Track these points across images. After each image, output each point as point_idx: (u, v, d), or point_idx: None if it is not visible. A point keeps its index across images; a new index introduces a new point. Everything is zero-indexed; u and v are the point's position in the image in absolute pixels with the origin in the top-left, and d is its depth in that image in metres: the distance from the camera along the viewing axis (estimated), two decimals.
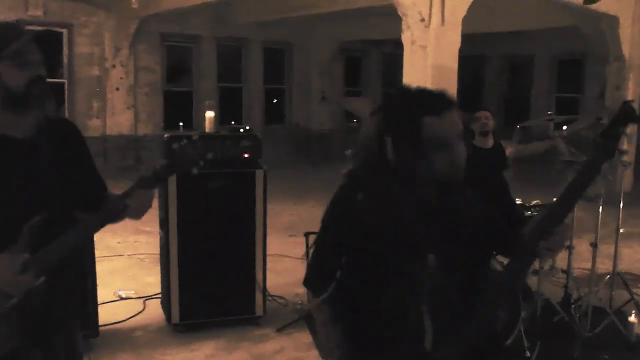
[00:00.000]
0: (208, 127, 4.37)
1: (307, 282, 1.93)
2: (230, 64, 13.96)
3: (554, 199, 4.13)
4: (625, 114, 1.73)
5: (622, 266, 6.09)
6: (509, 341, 3.92)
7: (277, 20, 12.69)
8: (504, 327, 3.96)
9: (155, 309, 4.75)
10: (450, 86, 6.30)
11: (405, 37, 6.33)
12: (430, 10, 6.11)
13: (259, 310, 4.51)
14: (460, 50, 16.21)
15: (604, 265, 5.12)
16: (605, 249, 4.63)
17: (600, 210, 4.38)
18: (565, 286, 4.71)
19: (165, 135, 4.23)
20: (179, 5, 10.47)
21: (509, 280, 1.84)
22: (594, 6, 8.75)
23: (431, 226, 1.74)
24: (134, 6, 10.05)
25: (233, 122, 13.61)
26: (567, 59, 14.71)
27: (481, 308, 1.79)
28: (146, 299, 5.02)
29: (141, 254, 6.46)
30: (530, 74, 15.39)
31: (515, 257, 1.79)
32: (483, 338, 1.85)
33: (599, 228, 4.43)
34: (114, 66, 11.76)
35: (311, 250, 1.92)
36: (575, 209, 4.51)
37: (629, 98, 9.71)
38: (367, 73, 16.01)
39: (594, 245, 4.40)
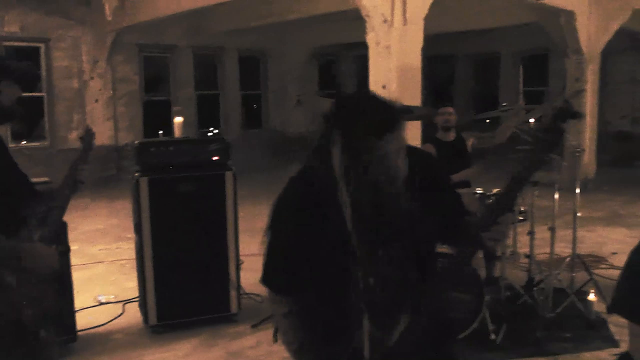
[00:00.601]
0: (177, 132, 4.38)
1: (265, 280, 1.93)
2: (206, 71, 13.95)
3: (498, 190, 4.21)
4: (565, 110, 1.79)
5: (586, 249, 6.19)
6: (474, 325, 3.98)
7: (250, 29, 12.70)
8: (469, 312, 4.03)
9: (134, 312, 4.73)
10: (415, 83, 6.34)
11: (370, 38, 6.36)
12: (393, 11, 6.14)
13: (233, 308, 4.52)
14: (430, 50, 16.29)
15: (568, 249, 5.18)
16: (570, 234, 4.69)
17: (557, 196, 4.45)
18: (529, 270, 4.77)
19: (136, 142, 4.23)
20: (154, 16, 10.40)
21: (455, 269, 1.87)
22: (551, 2, 8.90)
23: (371, 229, 1.77)
24: (109, 19, 9.99)
25: (212, 128, 13.75)
26: (532, 54, 14.85)
27: (429, 297, 1.82)
28: (125, 303, 5.00)
29: (122, 259, 6.43)
30: (497, 70, 15.53)
31: (460, 246, 1.83)
32: (437, 324, 1.90)
33: (555, 213, 4.50)
34: (92, 78, 11.67)
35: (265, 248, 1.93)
36: (535, 196, 4.57)
37: (587, 88, 9.86)
38: (341, 76, 16.06)
39: (552, 229, 4.46)
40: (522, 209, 4.47)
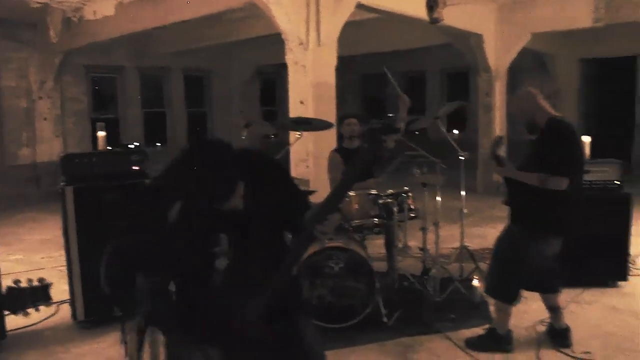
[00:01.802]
0: (100, 145, 4.56)
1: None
2: (153, 90, 14.05)
3: (391, 192, 4.52)
4: (386, 126, 2.09)
5: (487, 244, 6.59)
6: (367, 310, 4.28)
7: (195, 49, 12.87)
8: (362, 299, 4.33)
9: (67, 312, 4.85)
10: (330, 98, 6.67)
11: (289, 58, 6.66)
12: (308, 34, 6.46)
13: None
14: (366, 69, 16.76)
15: (472, 244, 5.54)
16: (476, 230, 5.03)
17: (439, 198, 4.82)
18: (423, 261, 5.12)
19: (60, 153, 4.40)
20: (99, 39, 10.45)
21: (293, 257, 2.11)
22: (461, 26, 9.39)
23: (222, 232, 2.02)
24: (53, 41, 10.03)
25: (158, 144, 13.83)
26: (454, 72, 15.46)
27: (274, 280, 2.02)
28: (59, 304, 5.12)
29: (63, 265, 6.51)
30: (424, 87, 16.10)
31: (297, 238, 2.09)
32: (285, 301, 2.13)
33: (439, 211, 4.86)
34: (40, 98, 11.63)
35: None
36: (439, 197, 4.90)
37: (496, 102, 10.42)
38: (281, 93, 16.36)
39: (436, 225, 4.83)
40: (412, 207, 4.81)
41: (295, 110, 6.65)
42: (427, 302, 4.65)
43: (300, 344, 2.14)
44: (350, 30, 9.88)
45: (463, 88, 15.09)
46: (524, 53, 11.39)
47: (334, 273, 4.29)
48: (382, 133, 2.01)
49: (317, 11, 6.44)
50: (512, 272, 3.78)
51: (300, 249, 2.08)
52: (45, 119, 11.74)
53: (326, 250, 4.32)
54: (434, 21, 5.61)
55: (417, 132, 5.00)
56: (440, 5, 5.60)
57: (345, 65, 16.91)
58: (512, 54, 10.39)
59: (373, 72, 16.86)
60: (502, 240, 3.91)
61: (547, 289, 4.04)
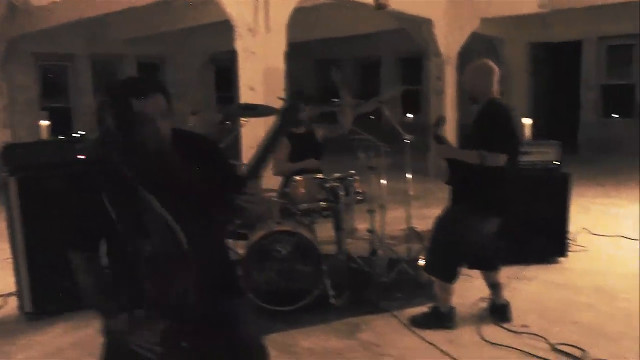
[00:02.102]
0: (43, 134, 4.49)
1: (72, 242, 2.16)
2: (106, 78, 13.76)
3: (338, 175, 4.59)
4: (296, 94, 2.14)
5: None
6: (316, 292, 4.34)
7: (149, 36, 12.66)
8: (310, 282, 4.38)
9: (14, 304, 4.77)
10: (279, 84, 6.70)
11: (238, 45, 6.65)
12: (256, 20, 6.45)
13: None
14: (321, 54, 16.76)
15: (422, 225, 5.61)
16: (427, 211, 5.12)
17: (385, 181, 4.92)
18: (372, 243, 5.21)
19: (2, 143, 4.31)
20: (46, 25, 10.21)
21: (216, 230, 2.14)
22: (410, 11, 9.49)
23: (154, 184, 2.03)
24: None
25: (82, 131, 13.54)
26: (408, 57, 15.60)
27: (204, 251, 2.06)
28: (6, 296, 5.03)
29: (8, 258, 6.38)
30: (378, 72, 16.22)
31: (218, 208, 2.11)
32: (218, 284, 2.15)
33: (385, 194, 4.96)
34: None
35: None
36: (384, 180, 4.99)
37: (447, 86, 10.60)
38: (237, 79, 16.23)
39: (382, 207, 4.93)
40: (358, 190, 4.88)
41: (245, 96, 6.65)
42: (374, 283, 4.75)
43: (234, 328, 2.17)
44: (303, 15, 9.89)
45: (417, 73, 15.26)
46: (474, 37, 11.58)
47: (281, 257, 4.33)
48: (294, 100, 2.11)
49: None
50: (451, 250, 3.89)
51: (223, 215, 2.10)
52: None
53: (274, 234, 4.36)
54: (379, 7, 5.67)
55: (372, 117, 5.08)
56: None
57: (299, 51, 16.96)
58: (462, 39, 10.56)
59: (328, 58, 16.91)
60: (442, 219, 4.02)
61: (487, 266, 4.17)
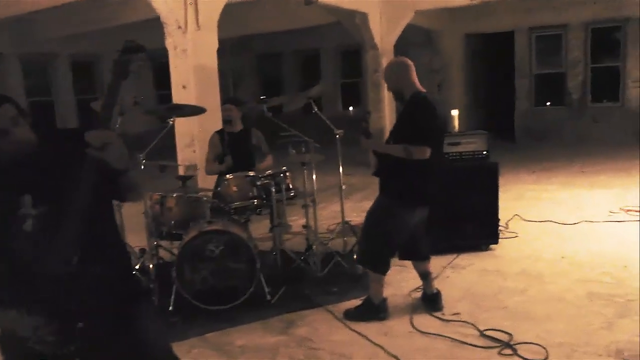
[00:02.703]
0: None
1: None
2: (37, 78, 13.31)
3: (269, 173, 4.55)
4: (129, 46, 2.11)
5: None
6: (250, 289, 4.32)
7: (82, 34, 12.27)
8: (244, 279, 4.34)
9: None
10: (212, 82, 6.61)
11: (169, 43, 6.52)
12: (186, 17, 6.34)
13: None
14: (262, 49, 16.64)
15: (361, 218, 5.62)
16: (366, 204, 5.06)
17: (315, 175, 4.93)
18: (307, 238, 5.22)
19: None
20: None
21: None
22: (345, 5, 9.53)
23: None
24: None
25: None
26: (348, 50, 15.67)
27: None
28: None
29: None
30: (318, 65, 16.25)
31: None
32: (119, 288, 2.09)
33: (315, 188, 4.97)
34: None
35: None
36: (317, 175, 4.99)
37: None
38: None
39: (313, 202, 4.95)
40: (290, 186, 4.89)
41: (177, 95, 6.55)
42: (309, 278, 4.77)
43: (135, 333, 2.10)
44: (242, 10, 9.83)
45: (357, 65, 15.35)
46: (412, 29, 11.75)
47: (214, 256, 4.30)
48: (128, 53, 2.10)
49: None
50: (381, 242, 3.94)
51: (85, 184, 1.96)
52: None
53: (205, 233, 4.32)
54: (308, 2, 5.66)
55: (315, 111, 5.06)
56: None
57: (240, 46, 16.84)
58: (397, 31, 10.68)
59: (269, 52, 16.84)
60: (371, 211, 4.06)
61: (418, 256, 4.23)
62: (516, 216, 6.78)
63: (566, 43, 13.22)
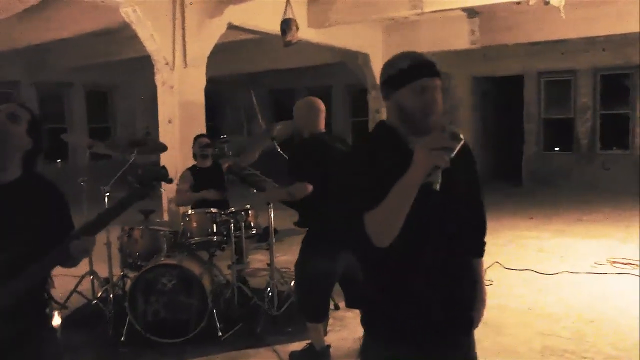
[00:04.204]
0: None
1: None
2: (53, 106, 13.77)
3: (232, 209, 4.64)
4: (155, 172, 2.21)
5: None
6: (202, 324, 4.38)
7: (97, 64, 12.71)
8: (195, 314, 4.39)
9: None
10: (199, 118, 6.82)
11: (158, 79, 6.77)
12: (174, 55, 6.58)
13: None
14: (272, 85, 16.95)
15: None
16: None
17: (272, 216, 5.00)
18: (270, 276, 5.27)
19: None
20: None
21: (37, 268, 2.16)
22: (346, 45, 9.74)
23: None
24: None
25: (59, 161, 13.52)
26: (359, 87, 15.85)
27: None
28: None
29: None
30: (330, 102, 16.47)
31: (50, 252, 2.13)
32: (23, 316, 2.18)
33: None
34: None
35: None
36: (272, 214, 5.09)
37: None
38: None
39: (269, 242, 5.01)
40: (252, 224, 4.98)
41: (164, 129, 6.75)
42: (264, 316, 4.80)
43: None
44: (251, 48, 10.11)
45: (365, 103, 15.51)
46: None
47: (166, 289, 4.39)
48: (153, 179, 2.15)
49: (183, 33, 6.57)
50: (307, 290, 3.86)
51: (47, 263, 2.11)
52: None
53: (159, 267, 4.42)
54: (286, 44, 5.83)
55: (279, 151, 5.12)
56: (293, 29, 5.84)
57: (253, 82, 17.18)
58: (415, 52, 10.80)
59: (282, 88, 17.17)
60: (296, 261, 3.95)
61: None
62: (496, 263, 6.73)
63: (575, 89, 13.19)
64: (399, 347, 1.96)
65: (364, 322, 2.07)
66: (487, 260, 6.41)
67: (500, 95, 14.94)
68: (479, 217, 2.24)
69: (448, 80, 14.27)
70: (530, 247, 7.76)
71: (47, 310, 2.36)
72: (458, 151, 1.75)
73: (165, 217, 6.73)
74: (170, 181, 2.29)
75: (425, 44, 10.43)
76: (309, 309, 3.92)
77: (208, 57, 7.03)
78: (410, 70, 1.93)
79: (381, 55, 10.55)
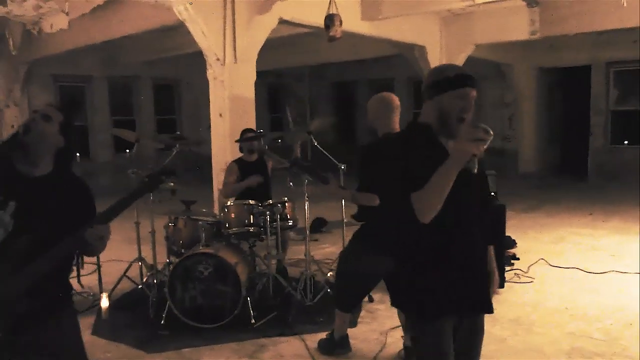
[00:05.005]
0: None
1: None
2: (122, 98, 14.48)
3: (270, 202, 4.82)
4: (165, 171, 2.45)
5: None
6: (236, 311, 4.61)
7: (163, 59, 13.27)
8: (230, 301, 4.63)
9: None
10: (249, 112, 7.04)
11: (209, 74, 7.04)
12: (224, 51, 6.83)
13: None
14: (335, 77, 17.06)
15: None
16: None
17: (307, 208, 5.15)
18: (307, 267, 5.43)
19: None
20: (63, 49, 10.85)
21: (56, 251, 2.41)
22: (402, 38, 9.72)
23: None
24: (13, 53, 10.46)
25: (127, 150, 14.18)
26: (419, 80, 15.72)
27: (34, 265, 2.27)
28: None
29: None
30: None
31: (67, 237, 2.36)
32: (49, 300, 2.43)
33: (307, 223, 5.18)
34: (7, 106, 12.10)
35: None
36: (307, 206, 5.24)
37: None
38: None
39: (303, 233, 5.16)
40: (289, 216, 5.16)
41: (215, 122, 7.03)
42: (297, 306, 4.98)
43: (58, 345, 2.46)
44: (314, 40, 10.28)
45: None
46: (482, 63, 11.72)
47: (202, 277, 4.64)
48: (162, 174, 2.43)
49: (233, 29, 6.80)
50: (345, 282, 4.05)
51: (62, 248, 2.31)
52: (12, 126, 12.18)
53: (196, 255, 4.68)
54: (330, 39, 5.94)
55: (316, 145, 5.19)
56: (337, 24, 5.95)
57: (317, 74, 17.39)
58: (458, 64, 10.69)
59: (344, 80, 17.27)
60: (343, 250, 4.17)
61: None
62: (541, 260, 6.62)
63: None
64: (438, 315, 2.36)
65: (400, 300, 2.53)
66: (532, 257, 6.42)
67: (568, 86, 14.43)
68: (490, 209, 2.68)
69: (510, 72, 13.95)
70: (583, 244, 7.56)
71: (67, 293, 2.62)
72: None
73: (216, 208, 7.02)
74: (176, 176, 2.48)
75: (482, 35, 10.27)
76: (342, 298, 4.11)
77: (269, 50, 7.23)
78: (456, 78, 2.25)
79: (439, 47, 10.47)
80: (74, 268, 4.89)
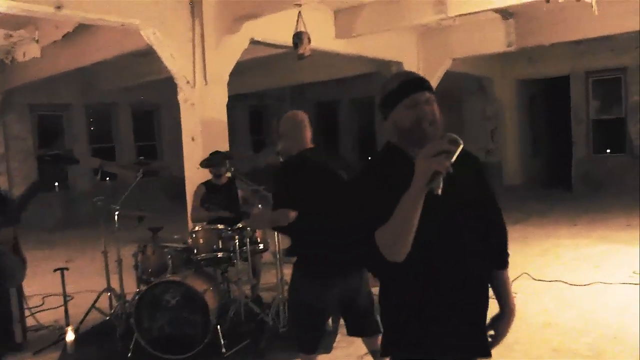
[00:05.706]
0: None
1: None
2: (101, 126, 14.35)
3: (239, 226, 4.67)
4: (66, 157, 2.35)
5: None
6: (206, 340, 4.44)
7: (141, 84, 13.16)
8: (198, 330, 4.46)
9: None
10: (220, 133, 6.92)
11: (180, 97, 6.94)
12: (194, 73, 6.73)
13: (18, 339, 4.83)
14: (317, 97, 17.04)
15: None
16: None
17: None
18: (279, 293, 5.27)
19: None
20: (38, 77, 10.72)
21: None
22: (379, 55, 9.68)
23: None
24: None
25: (107, 178, 14.03)
26: None
27: None
28: None
29: None
30: (374, 111, 16.39)
31: None
32: None
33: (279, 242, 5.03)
34: None
35: None
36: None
37: None
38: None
39: (275, 255, 5.01)
40: (258, 240, 5.01)
41: (187, 146, 6.91)
42: (268, 332, 4.80)
43: None
44: (293, 60, 10.19)
45: None
46: (464, 77, 11.71)
47: (170, 306, 4.47)
48: (62, 162, 2.31)
49: (202, 50, 6.71)
50: (300, 320, 3.49)
51: None
52: None
53: (163, 284, 4.51)
54: (300, 57, 5.87)
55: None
56: (305, 42, 5.87)
57: (298, 95, 17.34)
58: (436, 79, 10.65)
59: (327, 100, 17.24)
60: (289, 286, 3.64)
61: (365, 332, 3.63)
62: (525, 274, 6.49)
63: (625, 87, 12.61)
64: None
65: (387, 346, 2.09)
66: (515, 271, 6.30)
67: (549, 97, 14.46)
68: (498, 228, 2.26)
69: (491, 86, 13.97)
70: (567, 255, 7.45)
71: (10, 326, 2.48)
72: (465, 161, 1.86)
73: None
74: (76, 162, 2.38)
75: (460, 49, 10.26)
76: (300, 338, 3.52)
77: (249, 73, 7.12)
78: (399, 88, 2.02)
79: (416, 62, 10.44)
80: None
